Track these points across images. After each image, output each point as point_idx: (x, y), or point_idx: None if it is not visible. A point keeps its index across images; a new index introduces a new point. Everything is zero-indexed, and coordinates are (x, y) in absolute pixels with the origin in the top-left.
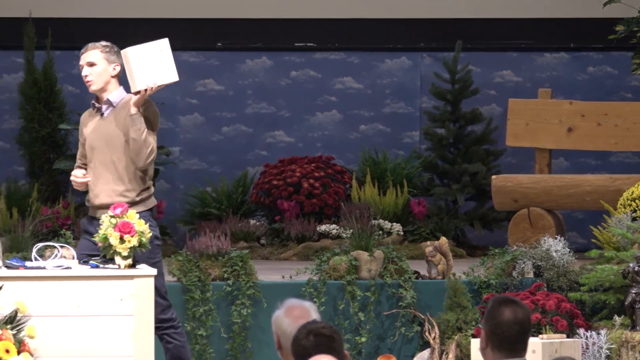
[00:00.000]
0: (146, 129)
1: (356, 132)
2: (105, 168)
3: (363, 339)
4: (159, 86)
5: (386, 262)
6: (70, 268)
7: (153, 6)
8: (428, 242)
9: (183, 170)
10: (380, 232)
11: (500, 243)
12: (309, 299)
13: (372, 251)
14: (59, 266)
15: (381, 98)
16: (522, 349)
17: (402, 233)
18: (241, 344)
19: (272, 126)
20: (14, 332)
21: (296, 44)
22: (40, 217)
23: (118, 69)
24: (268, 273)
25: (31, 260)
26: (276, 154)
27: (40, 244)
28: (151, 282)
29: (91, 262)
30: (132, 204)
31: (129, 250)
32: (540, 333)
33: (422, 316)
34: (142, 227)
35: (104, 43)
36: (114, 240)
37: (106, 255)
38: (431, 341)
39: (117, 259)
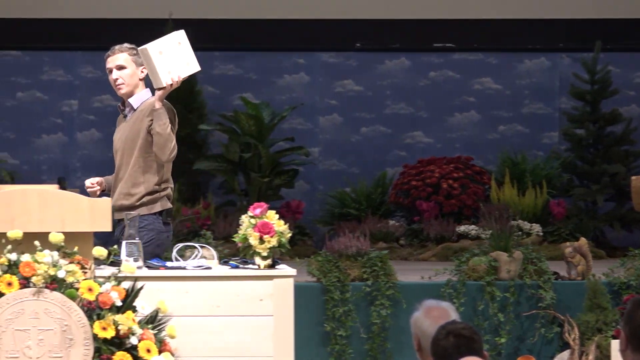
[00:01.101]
0: (170, 124)
1: (495, 132)
2: (119, 169)
3: (502, 340)
4: (182, 79)
5: (525, 263)
6: (211, 268)
7: (294, 6)
8: (567, 243)
9: (322, 170)
10: (520, 232)
11: None
12: (448, 299)
13: (512, 252)
14: (199, 266)
15: (520, 99)
16: None
17: (541, 234)
18: (380, 345)
19: (411, 127)
20: (155, 331)
21: (435, 45)
22: (180, 217)
23: (145, 72)
24: (407, 274)
25: (172, 261)
26: (415, 155)
27: (181, 244)
28: (291, 282)
29: (231, 262)
30: (134, 207)
31: (268, 250)
32: None
33: (562, 317)
34: (282, 228)
35: (129, 45)
36: (253, 240)
37: (245, 256)
38: (571, 342)
39: (257, 259)
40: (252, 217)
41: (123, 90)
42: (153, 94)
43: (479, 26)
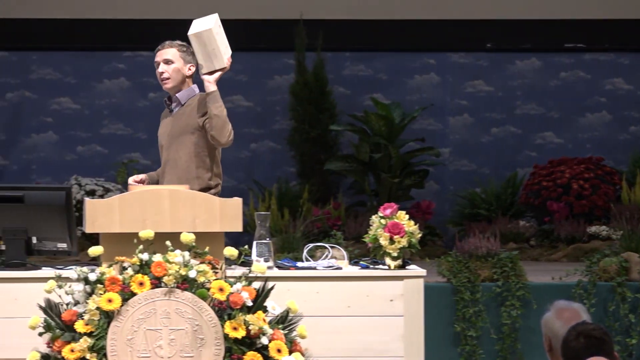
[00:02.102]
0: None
1: (626, 133)
2: (169, 166)
3: (634, 341)
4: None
5: None
6: (341, 268)
7: (425, 7)
8: None
9: (453, 171)
10: None
11: None
12: (578, 300)
13: None
14: (330, 267)
15: None
16: None
17: None
18: (511, 346)
19: (542, 127)
20: (286, 331)
21: (566, 45)
22: (311, 217)
23: (193, 69)
24: (538, 274)
25: (302, 261)
26: (545, 155)
27: (311, 245)
28: (421, 282)
29: (361, 262)
30: None
31: (398, 251)
32: None
33: None
34: (412, 228)
35: (180, 42)
36: (383, 240)
37: (375, 256)
38: None
39: (387, 259)
40: (382, 217)
41: (168, 84)
42: (201, 91)
43: (610, 26)
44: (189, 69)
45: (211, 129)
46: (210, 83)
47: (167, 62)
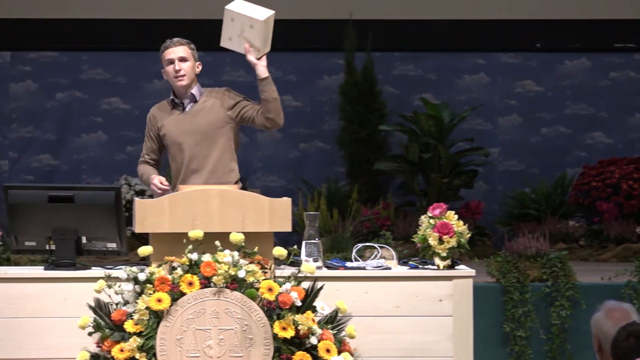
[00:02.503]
0: None
1: None
2: (198, 162)
3: None
4: None
5: None
6: (390, 268)
7: (474, 7)
8: None
9: (502, 171)
10: None
11: None
12: (628, 300)
13: None
14: (379, 266)
15: None
16: None
17: None
18: (560, 346)
19: (591, 127)
20: (335, 331)
21: (616, 45)
22: (360, 217)
23: (200, 68)
24: (587, 274)
25: (351, 261)
26: (595, 155)
27: (360, 245)
28: (470, 282)
29: (410, 262)
30: None
31: (447, 250)
32: None
33: None
34: (461, 228)
35: (187, 40)
36: (432, 240)
37: (424, 256)
38: None
39: (436, 259)
40: (431, 217)
41: (185, 81)
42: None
43: None
44: (198, 67)
45: (268, 112)
46: (264, 67)
47: (183, 59)
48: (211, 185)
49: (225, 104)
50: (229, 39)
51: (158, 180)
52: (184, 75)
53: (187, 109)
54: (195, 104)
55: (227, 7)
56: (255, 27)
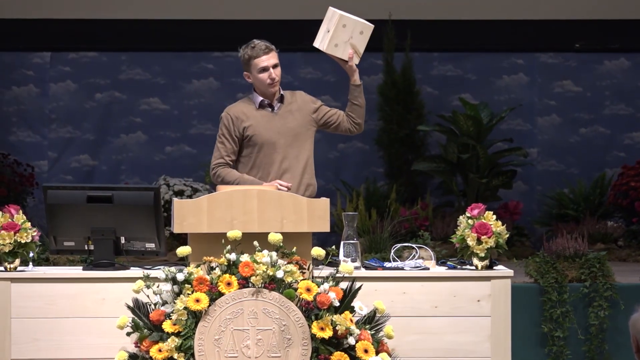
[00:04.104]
0: None
1: None
2: (289, 162)
3: None
4: None
5: None
6: (428, 269)
7: (513, 7)
8: None
9: (541, 171)
10: None
11: None
12: None
13: None
14: (417, 267)
15: None
16: None
17: None
18: (598, 347)
19: (631, 127)
20: (373, 332)
21: None
22: (398, 218)
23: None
24: (625, 275)
25: (389, 261)
26: (634, 156)
27: (399, 245)
28: (508, 283)
29: (448, 262)
30: (314, 197)
31: (485, 251)
32: None
33: None
34: (499, 228)
35: (271, 44)
36: (471, 241)
37: (463, 256)
38: None
39: (474, 260)
40: (469, 217)
41: (276, 87)
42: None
43: None
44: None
45: (358, 117)
46: (357, 75)
47: (275, 66)
48: (305, 184)
49: (309, 107)
50: (335, 45)
51: (278, 183)
52: (278, 82)
53: (276, 110)
54: (282, 104)
55: (340, 13)
56: (365, 34)
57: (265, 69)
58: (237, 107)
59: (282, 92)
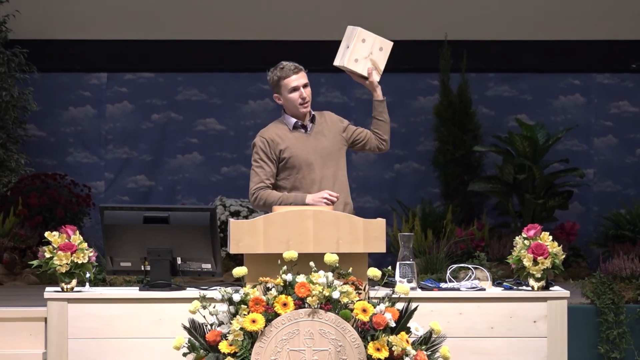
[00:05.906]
0: None
1: None
2: (327, 182)
3: None
4: None
5: None
6: (484, 289)
7: (569, 28)
8: None
9: (597, 192)
10: None
11: None
12: None
13: None
14: (473, 287)
15: None
16: None
17: None
18: None
19: None
20: (429, 352)
21: None
22: (454, 238)
23: None
24: None
25: (445, 282)
26: None
27: (455, 266)
28: (564, 304)
29: (504, 283)
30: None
31: (542, 272)
32: None
33: None
34: (556, 249)
35: (300, 65)
36: (527, 262)
37: (519, 277)
38: None
39: (530, 280)
40: (526, 238)
41: (308, 107)
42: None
43: None
44: None
45: (385, 133)
46: (380, 91)
47: (306, 85)
48: (343, 202)
49: (338, 126)
50: (355, 61)
51: (327, 193)
52: (309, 102)
53: (309, 131)
54: (314, 125)
55: (359, 29)
56: (384, 50)
57: (295, 89)
58: (270, 130)
59: (312, 112)
